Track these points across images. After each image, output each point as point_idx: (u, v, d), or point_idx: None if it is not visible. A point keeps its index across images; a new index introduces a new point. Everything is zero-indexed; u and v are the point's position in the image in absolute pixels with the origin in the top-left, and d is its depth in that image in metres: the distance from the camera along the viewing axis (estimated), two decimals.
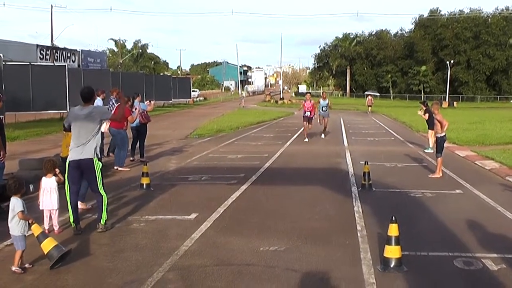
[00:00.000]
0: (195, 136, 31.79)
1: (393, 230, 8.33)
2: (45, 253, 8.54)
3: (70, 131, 11.20)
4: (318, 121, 32.14)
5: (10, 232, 8.72)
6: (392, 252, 8.35)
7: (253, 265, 8.63)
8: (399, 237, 8.35)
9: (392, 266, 8.32)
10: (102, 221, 10.76)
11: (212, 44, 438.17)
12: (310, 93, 34.84)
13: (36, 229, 8.59)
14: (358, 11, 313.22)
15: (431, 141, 23.48)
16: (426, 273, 8.36)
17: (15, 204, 8.64)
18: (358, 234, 10.40)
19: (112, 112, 11.98)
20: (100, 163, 10.73)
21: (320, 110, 31.45)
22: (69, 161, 10.68)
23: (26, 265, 8.57)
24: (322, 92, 38.83)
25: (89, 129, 10.60)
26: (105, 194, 10.79)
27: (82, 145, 10.55)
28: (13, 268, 8.41)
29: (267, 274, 8.20)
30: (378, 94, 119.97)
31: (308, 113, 29.65)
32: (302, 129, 31.29)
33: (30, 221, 8.65)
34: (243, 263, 8.72)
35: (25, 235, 8.65)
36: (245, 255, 9.14)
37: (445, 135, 17.60)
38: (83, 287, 7.78)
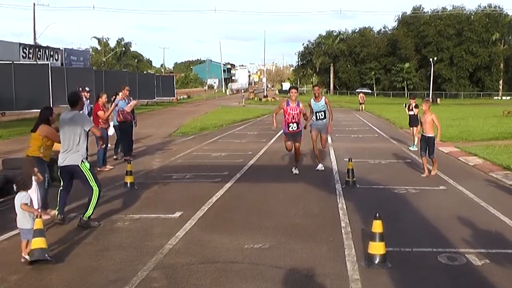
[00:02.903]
0: (179, 134, 31.76)
1: (377, 226, 8.36)
2: (33, 248, 8.60)
3: (35, 131, 11.33)
4: (312, 139, 18.70)
5: (18, 226, 9.06)
6: (376, 248, 8.37)
7: (238, 262, 8.63)
8: (383, 234, 8.37)
9: (376, 262, 8.34)
10: (85, 216, 10.87)
11: (195, 42, 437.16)
12: (296, 88, 19.11)
13: (38, 224, 8.71)
14: (341, 8, 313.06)
15: (416, 138, 23.49)
16: (410, 269, 8.39)
17: (22, 197, 9.00)
18: (342, 231, 10.42)
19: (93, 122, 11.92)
20: (88, 164, 10.88)
21: (314, 120, 18.61)
22: (59, 165, 11.06)
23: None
24: (314, 87, 20.48)
25: (71, 134, 10.85)
26: (96, 188, 10.91)
27: (66, 151, 10.89)
28: (26, 256, 8.71)
29: (252, 272, 8.19)
30: (370, 91, 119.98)
31: (293, 126, 17.27)
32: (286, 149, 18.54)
33: (35, 214, 8.91)
34: (228, 261, 8.72)
35: (32, 227, 8.85)
36: (230, 253, 9.13)
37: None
38: (66, 286, 7.74)
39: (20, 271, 8.36)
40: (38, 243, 8.60)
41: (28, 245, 8.80)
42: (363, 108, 60.60)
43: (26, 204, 9.00)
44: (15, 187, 10.52)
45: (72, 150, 10.76)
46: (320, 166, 18.27)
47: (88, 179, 10.85)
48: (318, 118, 18.36)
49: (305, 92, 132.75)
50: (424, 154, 16.98)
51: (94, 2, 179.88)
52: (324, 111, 18.35)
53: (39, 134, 11.33)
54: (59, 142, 11.31)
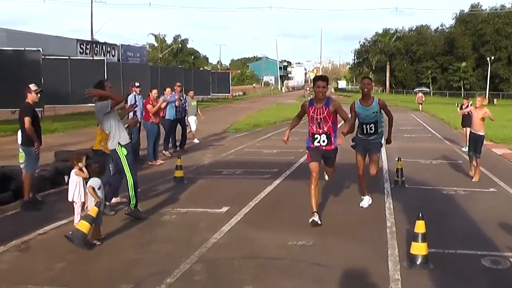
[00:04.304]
0: (232, 131, 32.01)
1: (420, 227, 8.30)
2: (76, 227, 9.19)
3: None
4: (356, 163, 12.70)
5: (88, 208, 9.57)
6: (419, 249, 8.32)
7: (280, 259, 8.66)
8: (426, 234, 8.30)
9: (418, 263, 8.29)
10: (131, 205, 11.05)
11: (251, 39, 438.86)
12: (325, 78, 11.31)
13: (93, 211, 9.22)
14: (397, 6, 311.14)
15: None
16: (452, 271, 8.31)
17: (94, 182, 9.62)
18: (387, 230, 10.37)
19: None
20: (125, 149, 10.97)
21: (359, 133, 12.48)
22: None
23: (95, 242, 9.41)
24: (363, 79, 12.63)
25: (101, 124, 11.18)
26: (130, 178, 10.99)
27: (108, 139, 11.11)
28: (95, 241, 9.40)
29: (293, 268, 8.23)
30: (428, 90, 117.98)
31: (321, 139, 11.22)
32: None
33: (95, 200, 9.41)
34: (270, 257, 8.77)
35: (102, 211, 9.67)
36: (272, 249, 9.18)
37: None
38: (108, 276, 7.92)
39: (65, 260, 8.59)
40: (83, 226, 9.03)
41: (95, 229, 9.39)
42: (421, 108, 59.65)
43: (94, 189, 9.51)
44: (66, 179, 10.87)
45: (111, 137, 10.99)
46: (366, 201, 12.52)
47: (123, 165, 10.97)
48: (366, 131, 12.18)
49: (359, 86, 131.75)
50: (474, 155, 16.01)
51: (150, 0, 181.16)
52: (376, 122, 12.07)
53: (98, 129, 11.70)
54: None
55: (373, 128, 12.09)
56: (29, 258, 8.92)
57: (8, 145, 21.06)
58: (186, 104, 23.31)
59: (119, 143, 10.90)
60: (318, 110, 10.98)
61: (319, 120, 11.02)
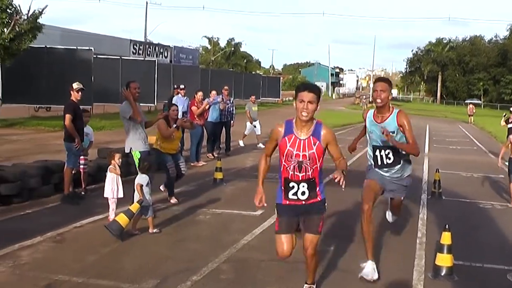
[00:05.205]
0: None
1: (445, 238, 8.31)
2: (115, 219, 9.62)
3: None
4: (362, 199, 8.84)
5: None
6: (444, 260, 8.33)
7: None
8: (451, 246, 8.32)
9: (442, 274, 8.31)
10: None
11: (304, 44, 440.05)
12: (312, 88, 6.75)
13: (134, 207, 9.74)
14: (449, 15, 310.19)
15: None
16: (476, 284, 8.37)
17: (142, 178, 10.12)
18: (417, 241, 10.43)
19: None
20: (137, 153, 11.34)
21: (371, 164, 8.71)
22: None
23: (137, 232, 9.97)
24: (376, 82, 8.33)
25: (123, 122, 11.66)
26: None
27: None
28: (154, 231, 10.09)
29: (317, 273, 8.33)
30: (479, 101, 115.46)
31: (301, 190, 7.00)
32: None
33: (139, 197, 9.90)
34: (297, 261, 8.80)
35: (151, 204, 10.14)
36: (300, 253, 9.28)
37: None
38: (137, 270, 8.15)
39: (98, 253, 8.92)
40: (122, 219, 9.48)
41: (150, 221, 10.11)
42: (472, 120, 58.50)
43: (141, 186, 9.99)
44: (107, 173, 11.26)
45: (126, 141, 11.53)
46: (370, 268, 8.18)
47: (137, 168, 11.07)
48: (382, 162, 8.49)
49: (411, 100, 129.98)
50: None
51: (204, 3, 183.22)
52: (394, 147, 8.10)
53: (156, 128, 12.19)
54: (165, 136, 12.43)
55: (391, 156, 8.34)
56: (63, 249, 9.26)
57: (55, 140, 21.57)
58: (233, 108, 23.52)
59: (131, 148, 11.31)
60: (302, 143, 6.80)
61: (300, 159, 6.79)
